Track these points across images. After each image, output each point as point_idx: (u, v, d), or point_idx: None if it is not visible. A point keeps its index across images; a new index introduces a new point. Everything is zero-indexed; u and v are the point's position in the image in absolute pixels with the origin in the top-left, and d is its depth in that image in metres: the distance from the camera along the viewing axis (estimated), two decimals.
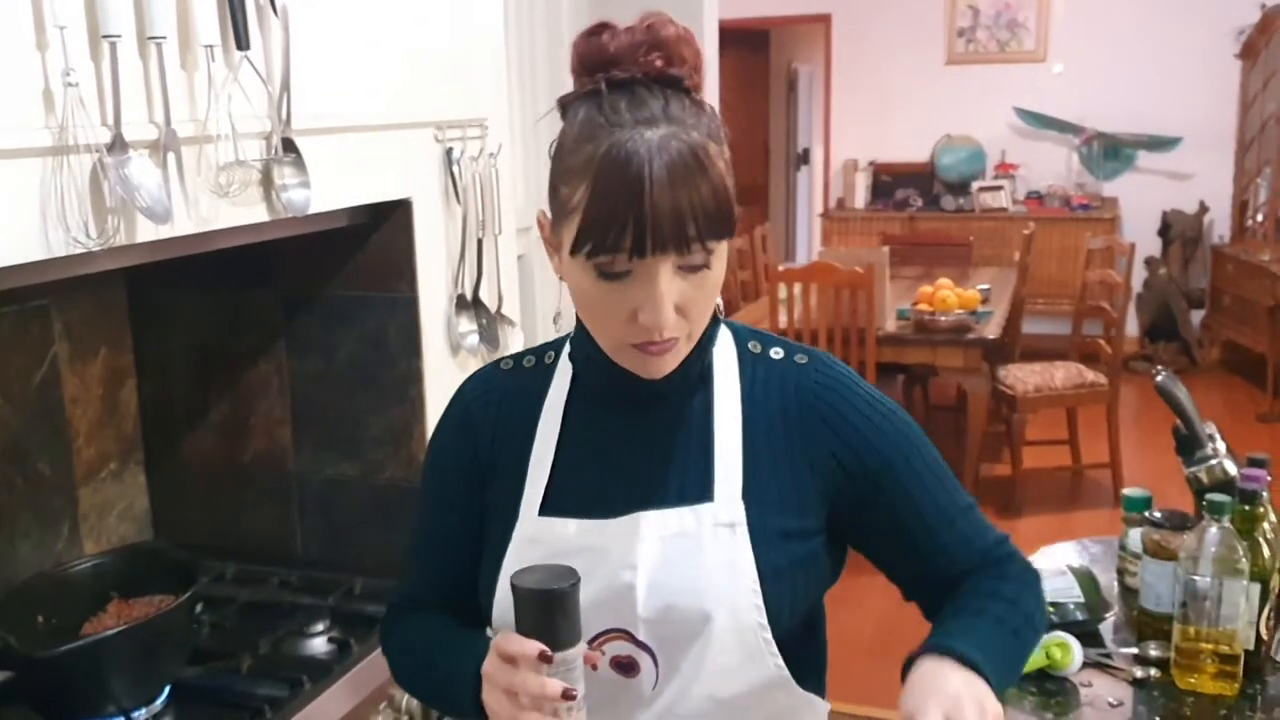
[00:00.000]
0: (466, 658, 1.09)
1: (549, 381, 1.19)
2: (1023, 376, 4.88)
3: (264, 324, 2.01)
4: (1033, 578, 1.19)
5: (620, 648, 1.11)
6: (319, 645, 1.79)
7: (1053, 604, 1.80)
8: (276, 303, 2.00)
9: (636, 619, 1.09)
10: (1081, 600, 1.81)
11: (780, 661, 1.10)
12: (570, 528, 1.12)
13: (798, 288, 4.63)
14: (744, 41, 8.45)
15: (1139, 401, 6.19)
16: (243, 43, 1.43)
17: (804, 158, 9.83)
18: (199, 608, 1.87)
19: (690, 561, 1.08)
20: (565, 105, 1.06)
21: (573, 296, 1.08)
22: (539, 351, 1.24)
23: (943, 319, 4.60)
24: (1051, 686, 1.67)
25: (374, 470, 2.00)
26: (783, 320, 4.60)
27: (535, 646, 0.97)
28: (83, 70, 1.23)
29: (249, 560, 2.06)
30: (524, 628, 0.98)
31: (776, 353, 1.18)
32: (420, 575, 1.26)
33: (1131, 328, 6.70)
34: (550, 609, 0.97)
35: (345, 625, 1.83)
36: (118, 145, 1.25)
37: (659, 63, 1.02)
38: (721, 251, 1.04)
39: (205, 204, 1.42)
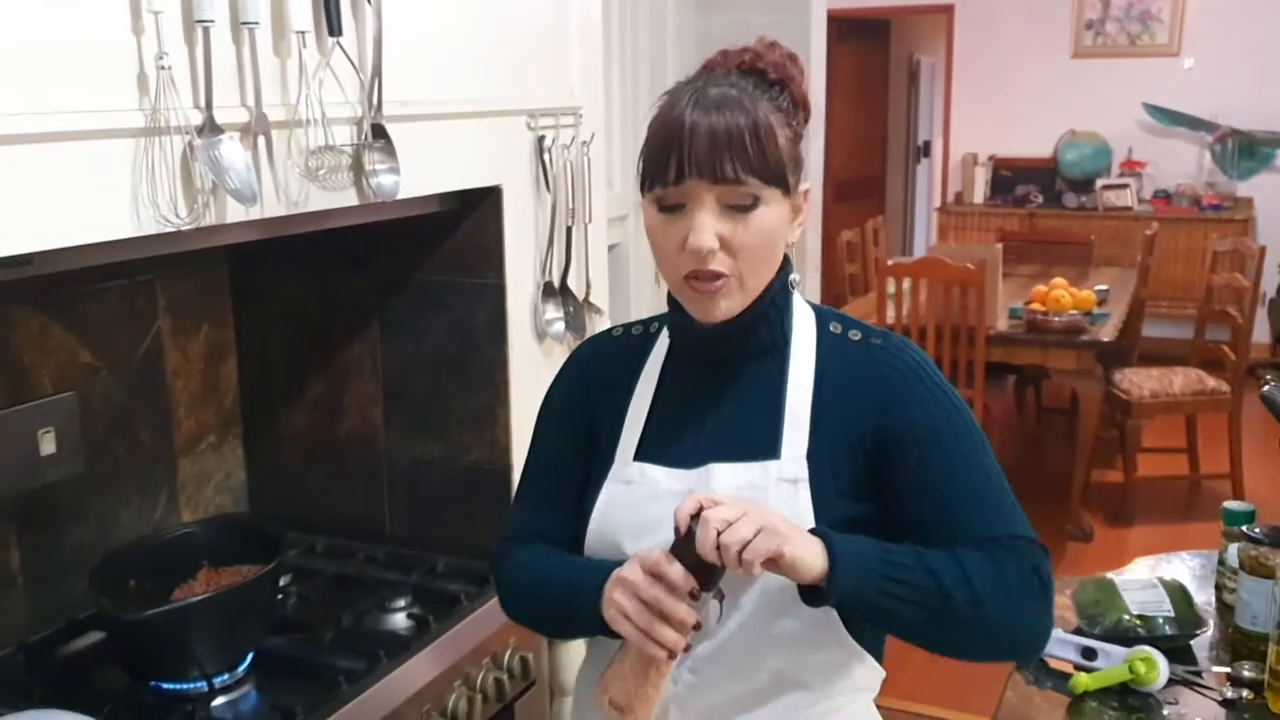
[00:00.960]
0: (595, 572, 1.18)
1: (650, 346, 1.33)
2: (1139, 381, 4.72)
3: (359, 306, 2.06)
4: (1018, 573, 1.14)
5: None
6: (399, 621, 1.83)
7: (1140, 617, 1.74)
8: (371, 286, 2.04)
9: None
10: (1171, 615, 1.74)
11: (832, 608, 1.14)
12: (659, 474, 1.24)
13: (907, 283, 4.55)
14: (863, 32, 8.32)
15: (1265, 411, 5.92)
16: (335, 29, 1.46)
17: (924, 151, 9.64)
18: (287, 579, 1.93)
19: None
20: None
21: (650, 244, 1.21)
22: (646, 322, 1.37)
23: (1056, 319, 4.47)
24: (1134, 702, 1.61)
25: (459, 452, 2.03)
26: (890, 315, 4.53)
27: (690, 578, 1.08)
28: (176, 54, 1.27)
29: (338, 535, 2.11)
30: (685, 561, 1.09)
31: (855, 334, 1.26)
32: (533, 511, 1.35)
33: (1261, 334, 6.42)
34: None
35: (426, 602, 1.86)
36: (208, 128, 1.29)
37: (747, 57, 1.21)
38: (773, 201, 1.15)
39: (295, 187, 1.45)
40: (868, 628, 1.21)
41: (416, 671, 1.70)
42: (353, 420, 2.12)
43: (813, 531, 1.12)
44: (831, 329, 1.26)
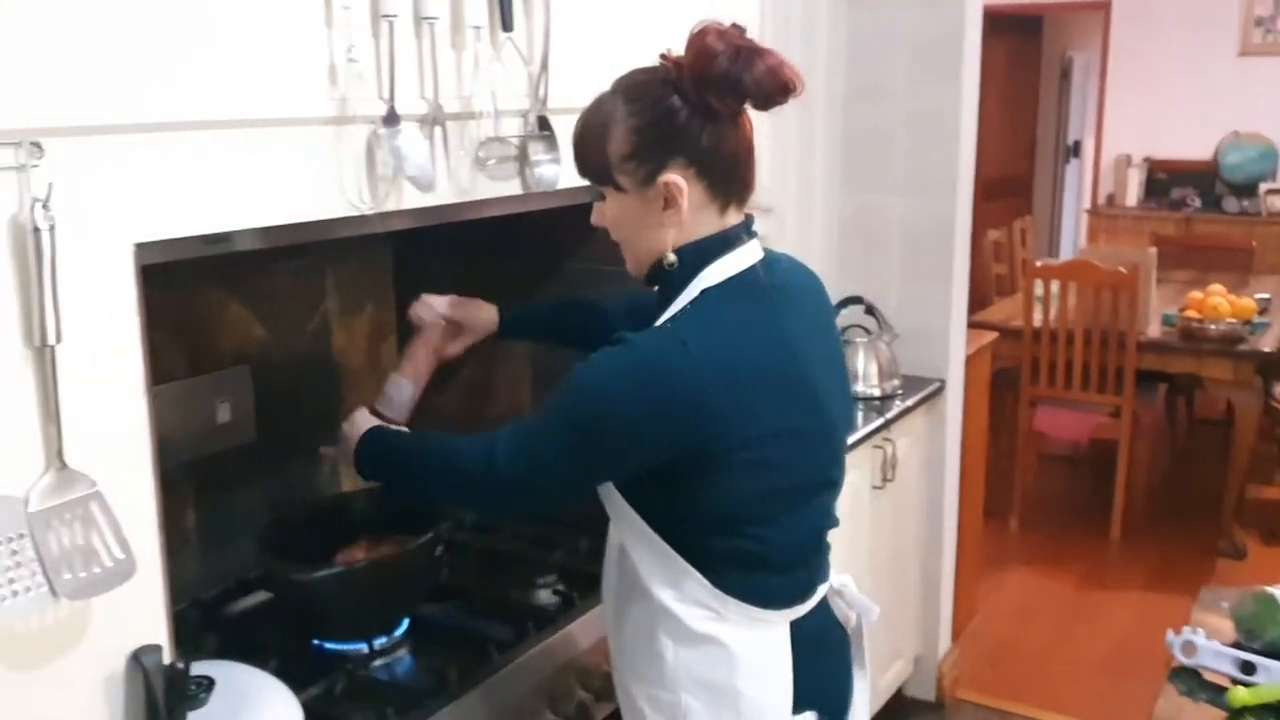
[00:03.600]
0: None
1: None
2: None
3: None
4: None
5: None
6: (545, 596, 1.89)
7: None
8: (523, 271, 2.10)
9: None
10: None
11: None
12: None
13: (1055, 285, 4.46)
14: (1015, 28, 8.13)
15: None
16: (507, 24, 1.53)
17: (1074, 150, 9.37)
18: (440, 550, 2.02)
19: None
20: None
21: None
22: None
23: (1213, 328, 4.31)
24: None
25: None
26: (1037, 318, 4.44)
27: None
28: (362, 47, 1.34)
29: None
30: None
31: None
32: None
33: None
34: None
35: (569, 580, 1.92)
36: (391, 117, 1.37)
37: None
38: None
39: (465, 176, 1.52)
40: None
41: (563, 644, 1.76)
42: (503, 402, 2.20)
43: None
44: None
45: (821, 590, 1.50)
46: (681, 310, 1.37)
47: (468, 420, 2.23)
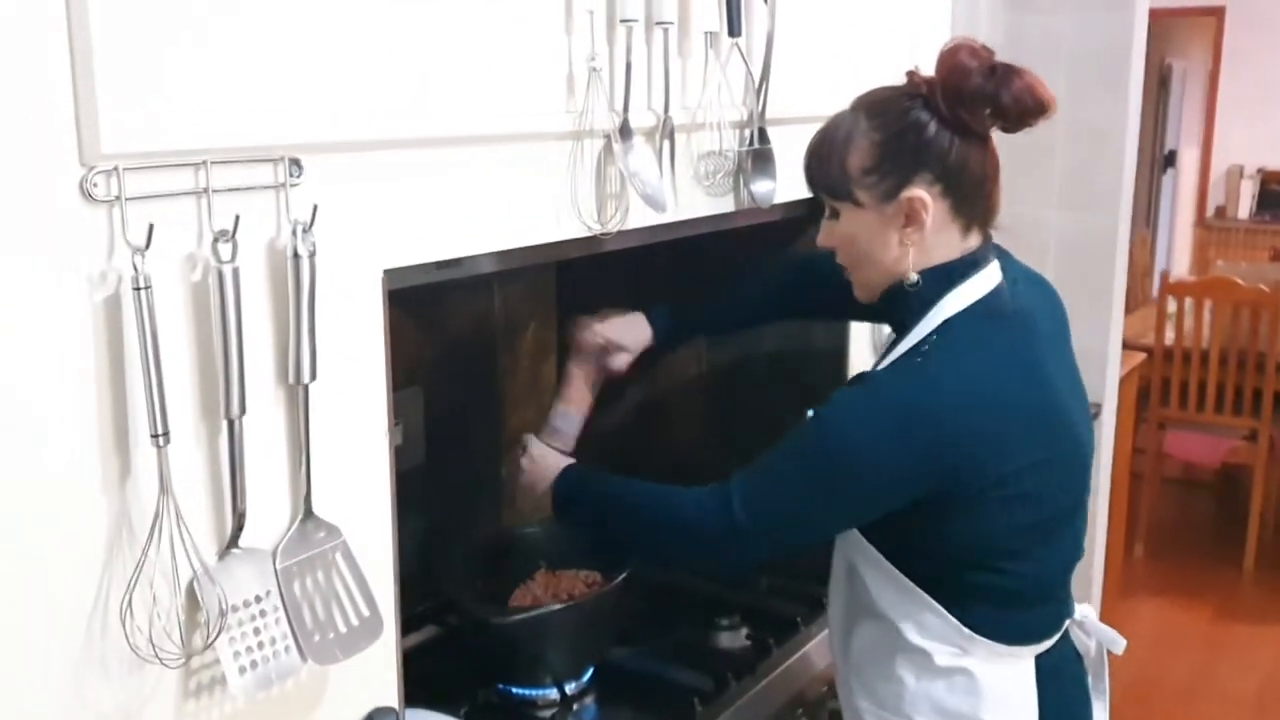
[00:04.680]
0: None
1: None
2: None
3: None
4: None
5: None
6: (730, 639, 1.78)
7: None
8: (696, 291, 1.99)
9: None
10: None
11: None
12: None
13: (1188, 302, 4.27)
14: None
15: None
16: (735, 29, 1.41)
17: (1169, 160, 9.11)
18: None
19: None
20: None
21: None
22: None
23: None
24: None
25: None
26: (1170, 336, 4.25)
27: None
28: (600, 56, 1.24)
29: None
30: None
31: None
32: None
33: None
34: None
35: (756, 622, 1.80)
36: (625, 130, 1.26)
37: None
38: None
39: (685, 192, 1.41)
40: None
41: (762, 697, 1.64)
42: (671, 429, 2.09)
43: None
44: None
45: (1066, 623, 1.42)
46: (926, 343, 1.28)
47: (635, 445, 2.12)
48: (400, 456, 1.80)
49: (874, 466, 1.23)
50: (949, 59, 1.26)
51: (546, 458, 1.55)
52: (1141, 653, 3.68)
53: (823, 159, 1.31)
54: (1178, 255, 7.81)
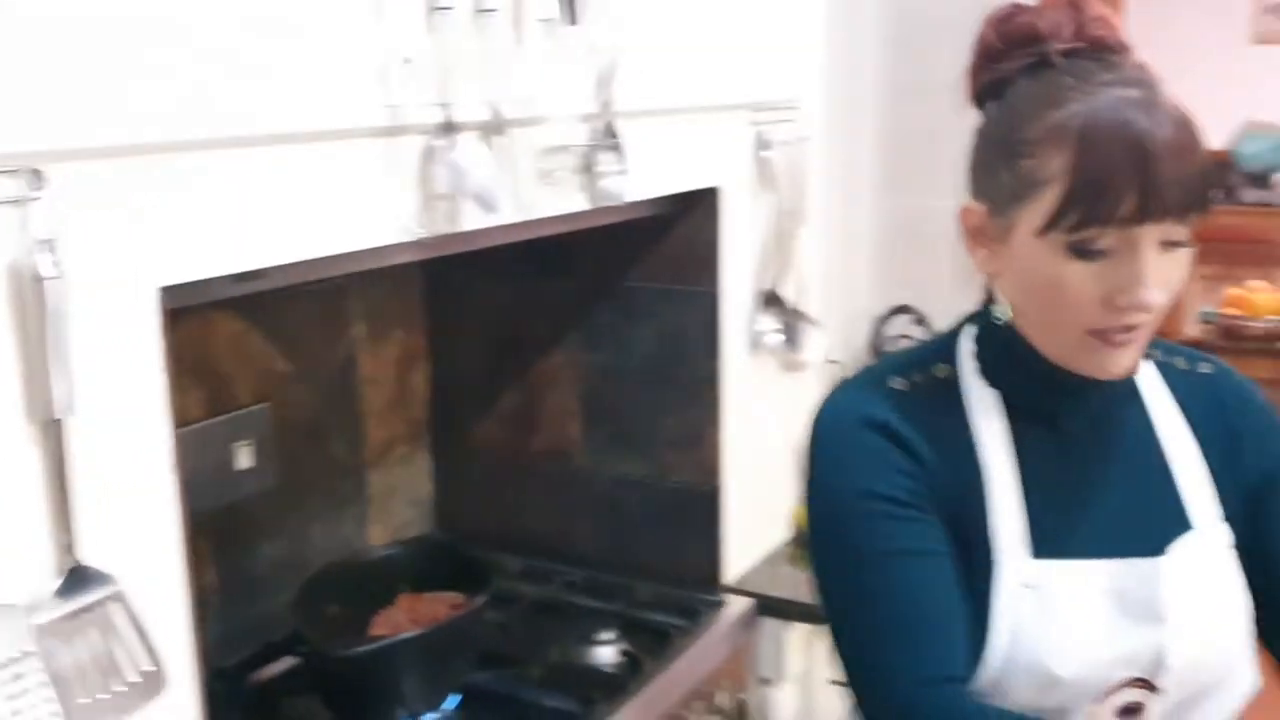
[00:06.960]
0: None
1: (957, 399, 1.05)
2: None
3: (559, 314, 1.93)
4: None
5: (1131, 694, 1.01)
6: (607, 655, 1.70)
7: None
8: (572, 293, 1.91)
9: (1163, 668, 1.00)
10: None
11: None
12: (1071, 570, 1.00)
13: None
14: None
15: None
16: (572, 17, 1.33)
17: None
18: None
19: (1214, 604, 1.03)
20: (994, 83, 1.01)
21: (1022, 287, 0.99)
22: (921, 365, 1.08)
23: (1256, 325, 4.14)
24: None
25: (664, 472, 1.89)
26: None
27: None
28: (415, 46, 1.15)
29: (528, 555, 1.99)
30: None
31: (1180, 362, 1.12)
32: (939, 640, 0.98)
33: None
34: None
35: (633, 635, 1.73)
36: (448, 126, 1.17)
37: (1101, 32, 0.99)
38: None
39: (526, 191, 1.33)
40: None
41: (631, 715, 1.57)
42: (548, 434, 2.00)
43: None
44: (1152, 354, 1.08)
45: None
46: (1170, 346, 1.13)
47: (510, 457, 2.03)
48: (247, 479, 1.72)
49: None
50: None
51: None
52: None
53: (1200, 168, 0.92)
54: None
